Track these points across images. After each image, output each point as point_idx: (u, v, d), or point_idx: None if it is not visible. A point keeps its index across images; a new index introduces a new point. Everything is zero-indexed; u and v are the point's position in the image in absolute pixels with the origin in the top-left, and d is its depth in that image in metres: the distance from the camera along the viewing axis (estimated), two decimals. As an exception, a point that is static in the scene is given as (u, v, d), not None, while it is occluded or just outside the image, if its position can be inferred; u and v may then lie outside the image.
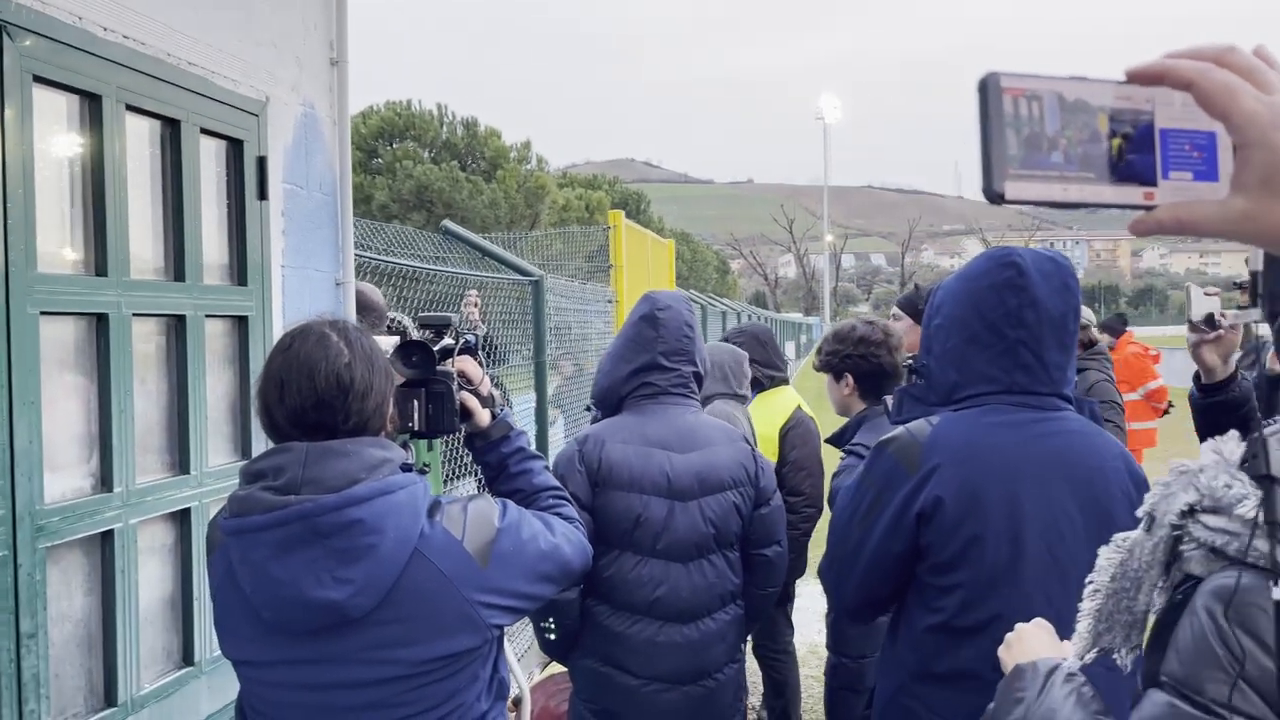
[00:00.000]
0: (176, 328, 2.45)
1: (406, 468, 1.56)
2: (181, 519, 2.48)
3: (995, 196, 0.66)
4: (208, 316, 2.54)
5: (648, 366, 2.57)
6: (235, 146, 2.70)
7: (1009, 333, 1.92)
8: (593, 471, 2.52)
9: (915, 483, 1.89)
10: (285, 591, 1.45)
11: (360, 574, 1.45)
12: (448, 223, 5.95)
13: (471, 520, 1.57)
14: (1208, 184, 0.66)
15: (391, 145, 29.14)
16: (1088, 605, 1.25)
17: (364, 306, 3.62)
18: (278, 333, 2.56)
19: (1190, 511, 1.11)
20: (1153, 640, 1.18)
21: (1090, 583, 1.26)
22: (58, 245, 2.13)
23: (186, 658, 2.49)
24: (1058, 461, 1.91)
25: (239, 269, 2.70)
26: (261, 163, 2.75)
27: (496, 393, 1.92)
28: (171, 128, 2.46)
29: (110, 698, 2.22)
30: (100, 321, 2.18)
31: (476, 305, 5.46)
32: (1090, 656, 1.25)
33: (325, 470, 1.46)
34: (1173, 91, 0.66)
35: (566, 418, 6.49)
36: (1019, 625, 1.39)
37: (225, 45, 2.62)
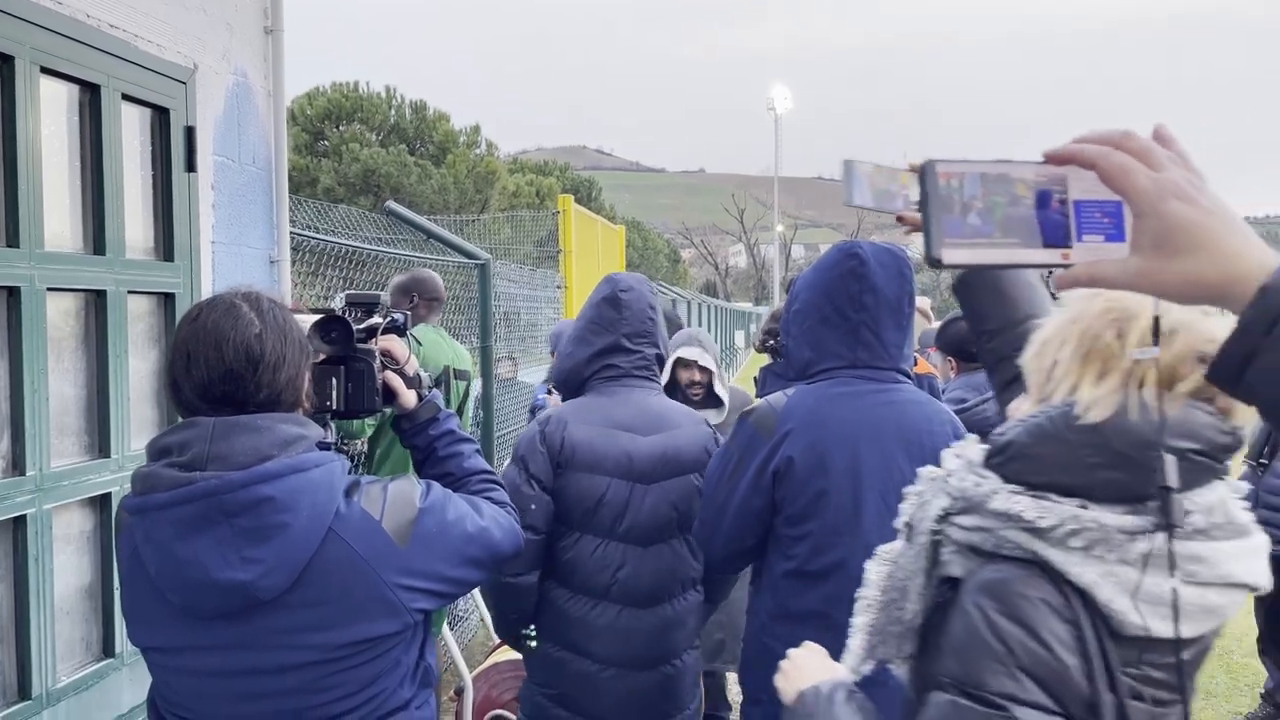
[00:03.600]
0: (96, 304, 2.34)
1: (325, 446, 1.48)
2: (101, 505, 2.37)
3: (934, 261, 0.77)
4: (130, 293, 2.42)
5: (611, 349, 2.53)
6: (161, 115, 2.58)
7: (852, 315, 2.19)
8: (555, 452, 2.47)
9: (771, 445, 2.17)
10: (190, 573, 1.38)
11: (269, 554, 1.38)
12: (392, 204, 5.81)
13: (391, 500, 1.49)
14: (1117, 244, 0.77)
15: (338, 127, 28.60)
16: (860, 620, 1.30)
17: (430, 292, 3.60)
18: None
19: (945, 516, 1.19)
20: (921, 644, 1.24)
21: (860, 598, 1.31)
22: (-36, 214, 2.01)
23: (107, 649, 2.39)
24: (893, 426, 2.17)
25: (165, 244, 2.59)
26: (189, 133, 2.64)
27: (425, 374, 1.85)
28: (91, 93, 2.33)
29: (24, 691, 2.11)
30: (11, 295, 2.07)
31: (421, 288, 5.33)
32: (867, 669, 1.30)
33: (233, 446, 1.39)
34: (1086, 169, 0.77)
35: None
36: (792, 653, 1.42)
37: (149, 8, 2.50)
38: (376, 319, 1.77)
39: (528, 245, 8.99)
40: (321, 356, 1.65)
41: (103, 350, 2.34)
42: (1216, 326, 1.11)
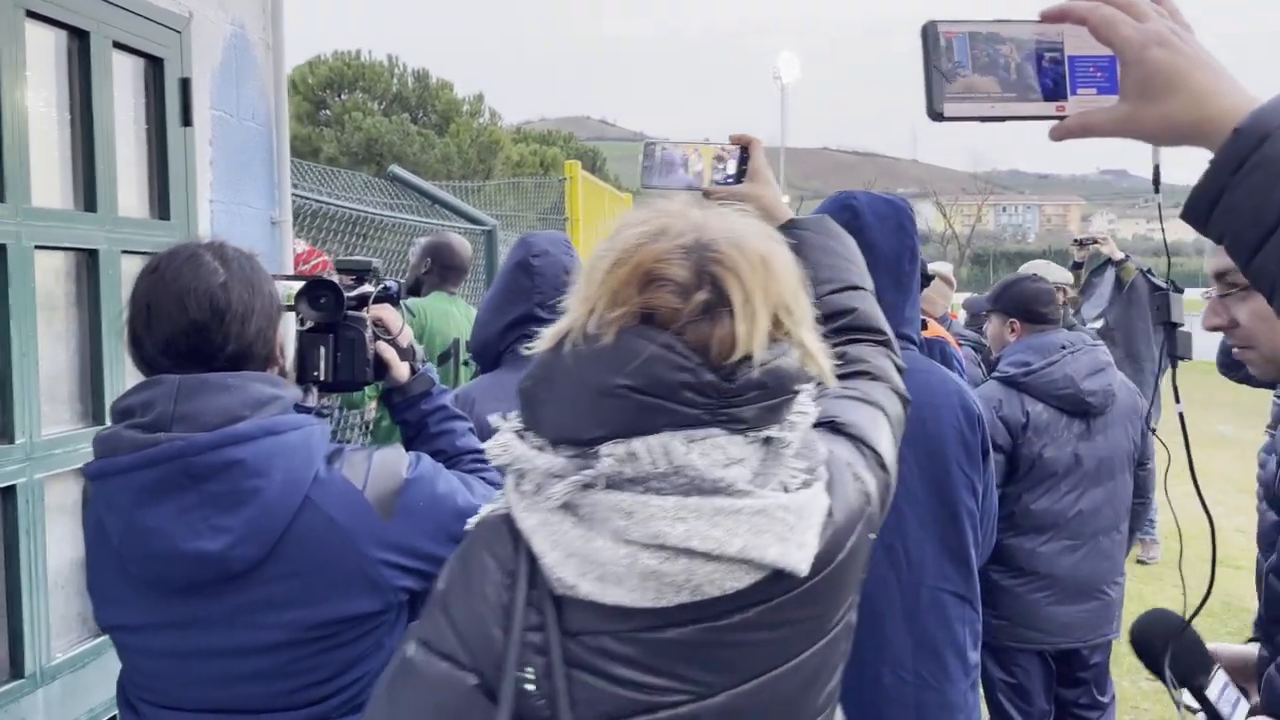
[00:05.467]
0: (88, 263, 2.22)
1: (304, 410, 1.38)
2: (97, 474, 2.26)
3: (936, 115, 0.82)
4: (124, 252, 2.30)
5: (525, 318, 2.30)
6: (155, 66, 2.45)
7: None
8: None
9: None
10: (155, 542, 1.28)
11: (240, 522, 1.28)
12: (396, 168, 5.69)
13: (376, 469, 1.39)
14: (1109, 97, 0.82)
15: (340, 96, 28.36)
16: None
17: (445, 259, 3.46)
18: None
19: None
20: None
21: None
22: (-55, 166, 1.89)
23: (104, 624, 2.29)
24: None
25: (160, 201, 2.47)
26: (185, 85, 2.51)
27: (419, 346, 1.74)
28: (79, 40, 2.20)
29: (17, 668, 2.02)
30: (-3, 253, 1.95)
31: (426, 255, 5.21)
32: None
33: (201, 405, 1.29)
34: (1078, 25, 0.82)
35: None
36: None
37: (141, -50, 2.36)
38: (368, 287, 1.66)
39: (532, 215, 8.85)
40: (309, 324, 1.55)
41: (95, 313, 2.23)
42: (665, 247, 0.96)
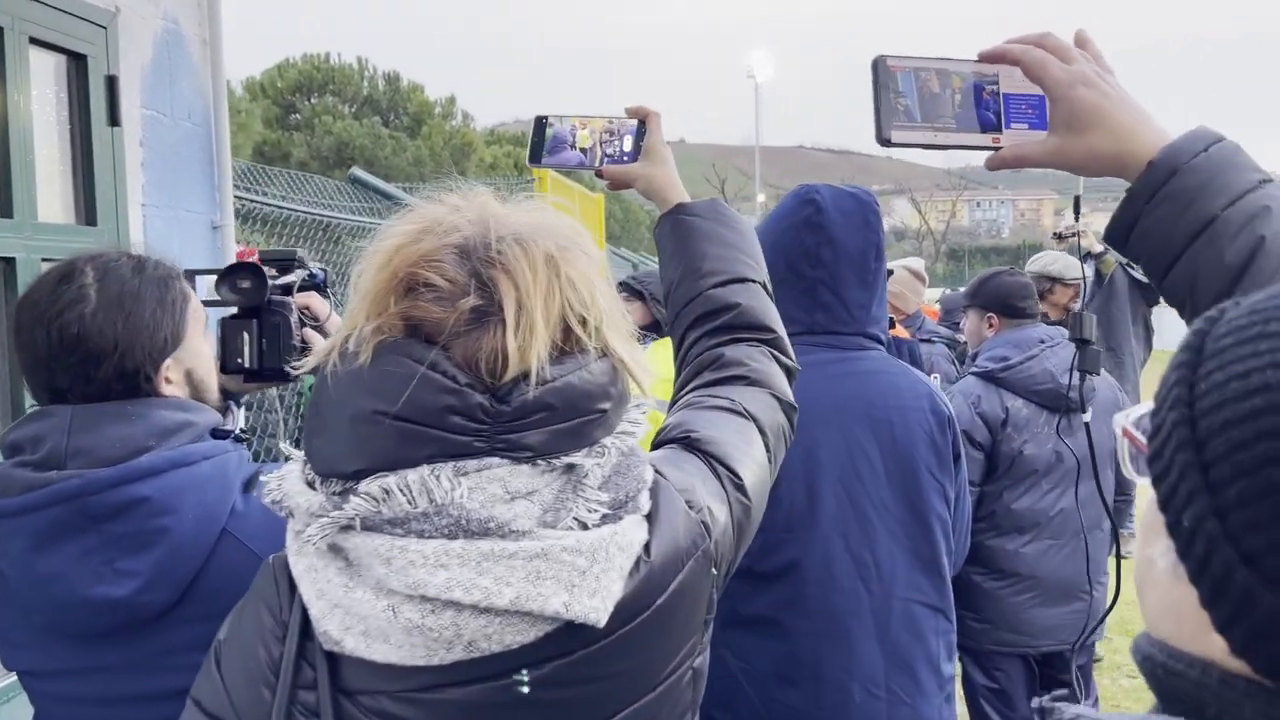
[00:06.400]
0: (5, 272, 2.09)
1: (223, 435, 1.25)
2: (20, 497, 2.13)
3: (884, 141, 0.90)
4: (45, 260, 2.17)
5: None
6: (78, 63, 2.31)
7: (807, 272, 1.89)
8: None
9: None
10: (55, 590, 1.16)
11: (148, 565, 1.16)
12: (356, 170, 5.56)
13: None
14: (1039, 131, 0.91)
15: (310, 100, 28.08)
16: None
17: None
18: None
19: None
20: None
21: None
22: None
23: (31, 657, 2.16)
24: (856, 402, 1.87)
25: (87, 206, 2.34)
26: (111, 83, 2.37)
27: None
28: (-9, 35, 2.07)
29: (-68, 709, 1.89)
30: (-103, 263, 1.82)
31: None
32: None
33: (98, 438, 1.16)
34: (1012, 66, 0.91)
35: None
36: None
37: (58, -61, 2.23)
38: (293, 276, 1.55)
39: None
40: (232, 311, 1.43)
41: (14, 325, 2.09)
42: (430, 248, 0.84)
